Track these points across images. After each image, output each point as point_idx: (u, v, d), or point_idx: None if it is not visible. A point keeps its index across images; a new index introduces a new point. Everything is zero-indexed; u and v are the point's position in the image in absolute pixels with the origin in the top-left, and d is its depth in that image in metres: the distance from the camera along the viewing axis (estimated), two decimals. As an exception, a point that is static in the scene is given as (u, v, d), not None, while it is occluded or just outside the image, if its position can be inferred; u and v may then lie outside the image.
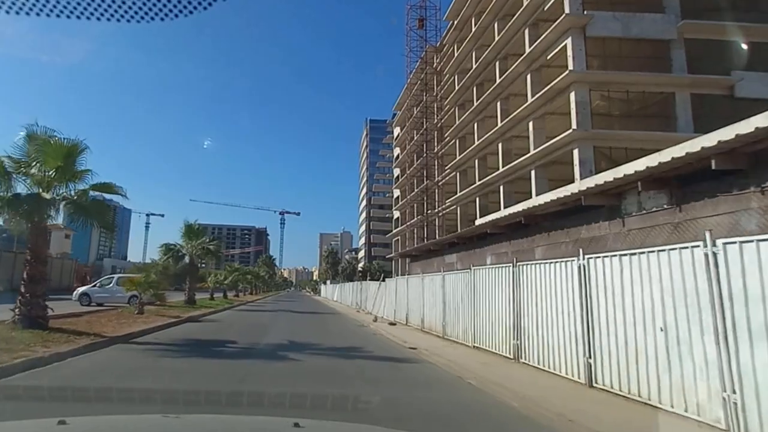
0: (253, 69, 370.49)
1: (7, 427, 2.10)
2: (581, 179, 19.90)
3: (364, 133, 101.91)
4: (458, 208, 37.99)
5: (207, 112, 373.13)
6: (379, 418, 5.01)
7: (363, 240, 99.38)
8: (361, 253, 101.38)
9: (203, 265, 34.91)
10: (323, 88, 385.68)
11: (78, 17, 2.41)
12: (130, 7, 2.43)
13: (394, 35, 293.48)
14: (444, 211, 40.41)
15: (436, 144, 44.03)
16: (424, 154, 43.75)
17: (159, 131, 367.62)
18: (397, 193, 63.70)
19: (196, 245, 20.58)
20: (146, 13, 2.46)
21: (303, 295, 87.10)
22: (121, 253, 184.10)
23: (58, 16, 2.39)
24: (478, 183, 33.35)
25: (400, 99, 59.37)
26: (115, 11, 2.45)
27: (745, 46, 20.37)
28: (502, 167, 29.40)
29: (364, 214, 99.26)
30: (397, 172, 64.62)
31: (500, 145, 30.08)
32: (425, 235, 42.98)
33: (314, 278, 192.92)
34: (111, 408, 5.06)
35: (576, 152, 21.17)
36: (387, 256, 69.19)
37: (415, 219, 43.81)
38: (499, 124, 29.69)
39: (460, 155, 37.55)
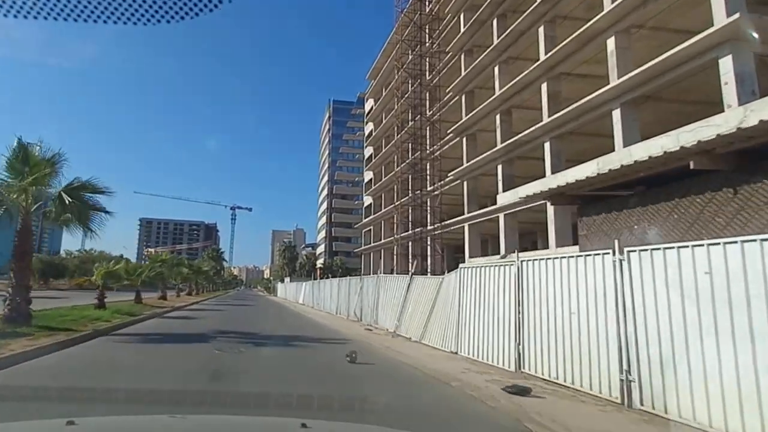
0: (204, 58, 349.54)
1: (15, 428, 2.10)
2: (741, 104, 11.54)
3: (327, 115, 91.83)
4: (464, 183, 29.32)
5: (160, 104, 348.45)
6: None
7: (323, 234, 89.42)
8: (321, 249, 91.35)
9: (122, 258, 24.71)
10: (281, 81, 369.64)
11: (74, 20, 2.42)
12: (136, 10, 2.42)
13: (360, 24, 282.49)
14: (443, 188, 31.59)
15: (427, 108, 35.16)
16: (415, 120, 34.71)
17: (106, 121, 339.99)
18: (369, 176, 54.50)
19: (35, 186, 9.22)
20: (152, 16, 2.44)
21: (256, 294, 75.86)
22: (54, 247, 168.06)
23: (65, 19, 2.39)
24: (500, 146, 24.78)
25: (377, 63, 50.25)
26: (122, 14, 2.43)
27: None
28: (548, 117, 20.88)
29: (324, 205, 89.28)
30: (369, 151, 55.41)
31: (545, 87, 21.59)
32: (413, 220, 34.04)
33: (265, 276, 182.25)
34: None
35: (728, 61, 12.78)
36: (356, 250, 59.89)
37: (405, 199, 34.68)
38: (543, 57, 21.16)
39: (467, 115, 28.89)
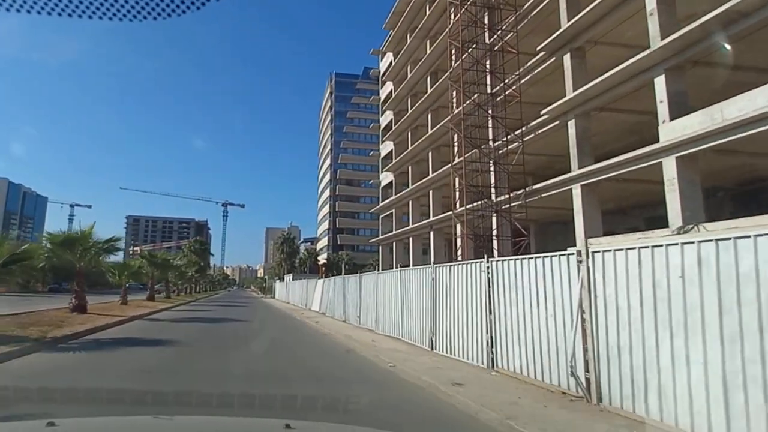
0: (196, 51, 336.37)
1: None
2: None
3: (328, 91, 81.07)
4: (571, 124, 19.03)
5: (144, 97, 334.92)
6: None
7: (325, 225, 78.89)
8: (323, 243, 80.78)
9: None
10: (271, 73, 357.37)
11: (67, 15, 2.37)
12: (122, 6, 2.38)
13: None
14: (524, 137, 21.26)
15: (486, 36, 24.73)
16: (476, 42, 24.14)
17: (91, 119, 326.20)
18: (388, 148, 44.13)
19: None
20: (139, 12, 2.41)
21: (249, 296, 64.58)
22: (37, 229, 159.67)
23: (49, 13, 2.35)
24: (662, 42, 14.50)
25: (398, 5, 39.92)
26: (107, 9, 2.38)
27: None
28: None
29: (326, 193, 78.66)
30: (388, 118, 45.05)
31: None
32: (470, 188, 23.51)
33: (259, 276, 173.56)
34: None
35: None
36: (372, 240, 49.40)
37: (458, 162, 23.79)
38: None
39: (570, 19, 18.59)
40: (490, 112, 22.97)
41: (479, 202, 22.34)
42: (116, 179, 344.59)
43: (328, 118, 79.35)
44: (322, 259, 71.33)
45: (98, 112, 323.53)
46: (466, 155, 21.99)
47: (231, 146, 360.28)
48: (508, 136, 21.84)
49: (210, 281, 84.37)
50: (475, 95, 22.89)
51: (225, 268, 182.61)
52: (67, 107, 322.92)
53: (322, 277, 37.18)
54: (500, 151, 22.55)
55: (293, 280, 43.15)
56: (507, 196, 21.58)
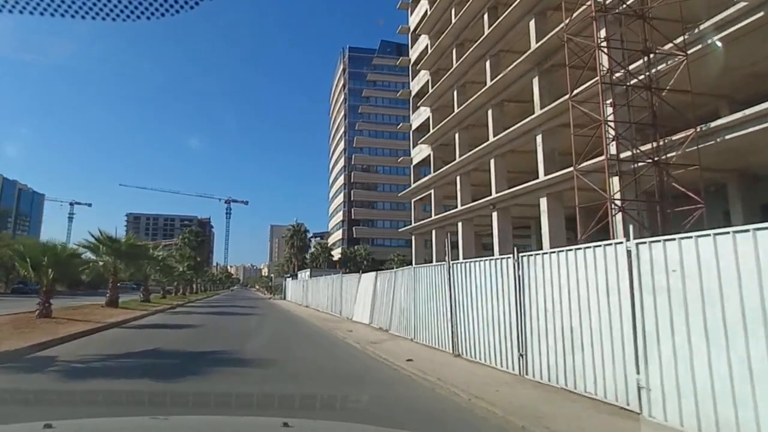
0: (198, 48, 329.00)
1: None
2: None
3: (341, 67, 73.21)
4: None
5: (143, 96, 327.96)
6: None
7: (339, 217, 71.18)
8: (335, 237, 73.12)
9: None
10: (275, 73, 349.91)
11: (60, 15, 2.33)
12: (116, 6, 2.34)
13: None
14: (693, 49, 13.42)
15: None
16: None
17: (90, 114, 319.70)
18: (424, 116, 36.46)
19: None
20: (132, 12, 2.37)
21: (255, 296, 56.61)
22: (33, 232, 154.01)
23: (42, 14, 2.32)
24: None
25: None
26: (101, 9, 2.35)
27: None
28: None
29: (340, 181, 70.89)
30: (422, 80, 37.36)
31: None
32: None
33: (263, 275, 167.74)
34: None
35: None
36: (401, 229, 41.61)
37: (580, 90, 15.68)
38: None
39: None
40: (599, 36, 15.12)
41: (601, 157, 14.49)
42: (117, 177, 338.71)
43: (341, 98, 71.52)
44: (336, 254, 63.84)
45: (98, 111, 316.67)
46: (594, 79, 14.05)
47: (232, 145, 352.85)
48: (654, 51, 14.04)
49: (210, 280, 76.85)
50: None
51: (229, 267, 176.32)
52: (66, 106, 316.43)
53: (341, 273, 29.33)
54: (633, 81, 14.75)
55: (311, 276, 35.29)
56: (662, 141, 13.78)
